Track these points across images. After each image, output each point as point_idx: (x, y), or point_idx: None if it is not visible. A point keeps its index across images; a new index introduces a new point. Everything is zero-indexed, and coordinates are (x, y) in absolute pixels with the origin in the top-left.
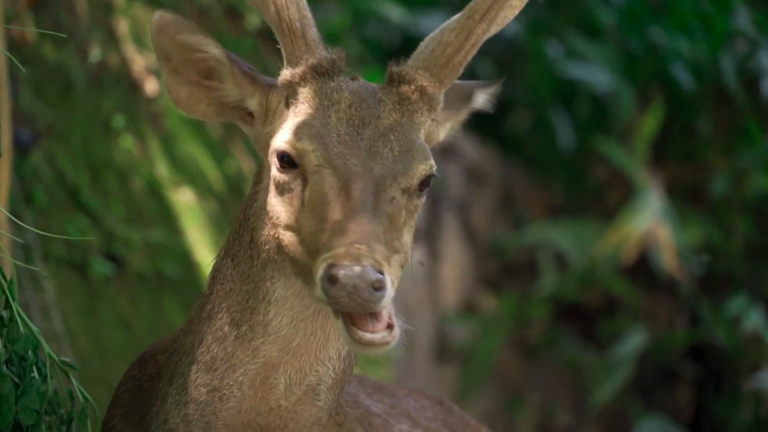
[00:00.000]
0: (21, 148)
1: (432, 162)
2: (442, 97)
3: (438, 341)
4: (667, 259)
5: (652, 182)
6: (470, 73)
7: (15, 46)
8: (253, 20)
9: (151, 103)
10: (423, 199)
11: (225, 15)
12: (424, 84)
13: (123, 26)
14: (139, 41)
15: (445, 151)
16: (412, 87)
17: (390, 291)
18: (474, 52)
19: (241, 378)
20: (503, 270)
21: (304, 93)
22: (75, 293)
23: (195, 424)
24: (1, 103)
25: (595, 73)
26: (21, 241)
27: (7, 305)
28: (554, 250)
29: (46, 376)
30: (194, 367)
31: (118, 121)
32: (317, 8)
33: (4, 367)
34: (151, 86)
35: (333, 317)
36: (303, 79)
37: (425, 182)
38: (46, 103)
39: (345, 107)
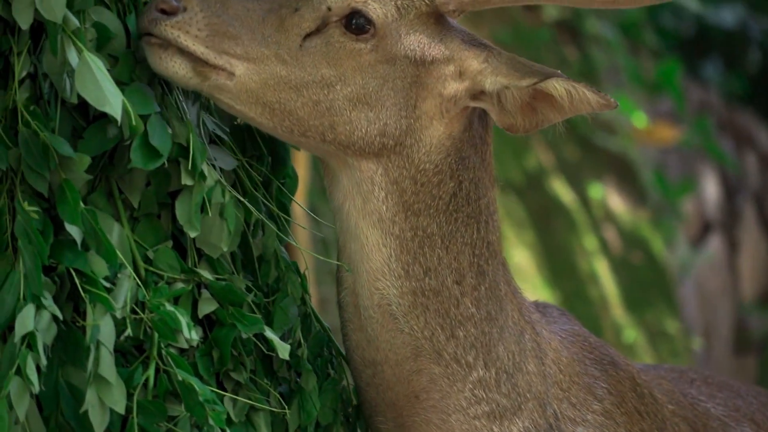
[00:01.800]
0: None
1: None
2: None
3: (737, 331)
4: None
5: None
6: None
7: None
8: (550, 12)
9: None
10: (353, 43)
11: (522, 7)
12: None
13: None
14: None
15: (741, 142)
16: None
17: (177, 19)
18: None
19: (344, 314)
20: None
21: None
22: None
23: (352, 373)
24: None
25: None
26: (320, 235)
27: (303, 300)
28: None
29: (340, 374)
30: None
31: None
32: None
33: (307, 362)
34: None
35: None
36: None
37: (352, 19)
38: None
39: None
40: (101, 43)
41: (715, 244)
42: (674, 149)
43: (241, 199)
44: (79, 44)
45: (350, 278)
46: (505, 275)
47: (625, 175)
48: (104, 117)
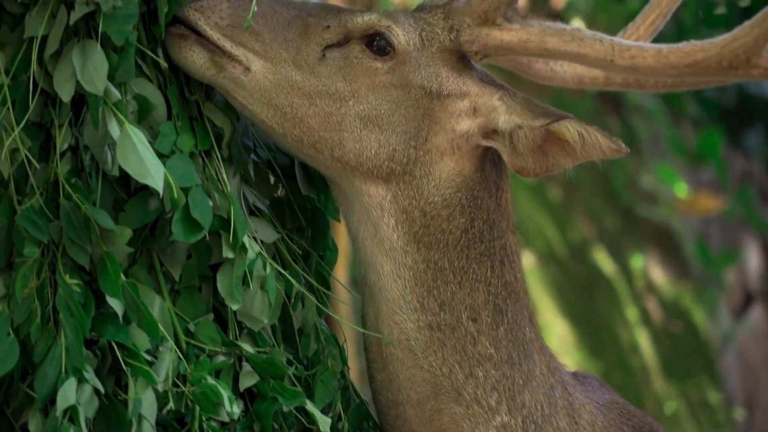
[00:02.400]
0: None
1: (383, 21)
2: (465, 20)
3: None
4: None
5: None
6: None
7: None
8: None
9: None
10: (371, 61)
11: None
12: (453, 4)
13: None
14: None
15: None
16: (447, 7)
17: (202, 3)
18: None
19: (369, 354)
20: None
21: None
22: None
23: (378, 416)
24: None
25: None
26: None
27: (342, 374)
28: None
29: None
30: None
31: None
32: None
33: None
34: None
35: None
36: None
37: (374, 40)
38: None
39: None
40: (142, 115)
41: (757, 314)
42: (716, 219)
43: (282, 272)
44: (121, 116)
45: (372, 315)
46: (532, 326)
47: (666, 246)
48: (145, 189)
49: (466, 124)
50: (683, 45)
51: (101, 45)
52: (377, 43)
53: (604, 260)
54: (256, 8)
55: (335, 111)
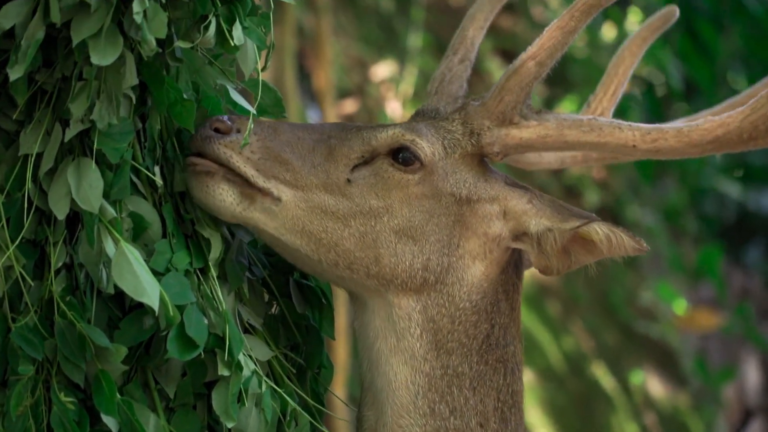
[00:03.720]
0: None
1: (407, 135)
2: (484, 123)
3: None
4: None
5: None
6: None
7: None
8: (592, 198)
9: None
10: (401, 174)
11: (564, 193)
12: (468, 108)
13: None
14: None
15: None
16: (463, 113)
17: (231, 139)
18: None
19: None
20: None
21: None
22: None
23: None
24: None
25: None
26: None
27: None
28: None
29: None
30: None
31: None
32: (656, 185)
33: None
34: None
35: None
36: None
37: (399, 153)
38: None
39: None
40: (137, 233)
41: (755, 429)
42: (715, 335)
43: (277, 389)
44: (116, 234)
45: (373, 417)
46: None
47: (665, 362)
48: (140, 307)
49: (497, 228)
50: (702, 122)
51: (96, 162)
52: (403, 156)
53: (603, 375)
54: (280, 137)
55: (370, 229)
